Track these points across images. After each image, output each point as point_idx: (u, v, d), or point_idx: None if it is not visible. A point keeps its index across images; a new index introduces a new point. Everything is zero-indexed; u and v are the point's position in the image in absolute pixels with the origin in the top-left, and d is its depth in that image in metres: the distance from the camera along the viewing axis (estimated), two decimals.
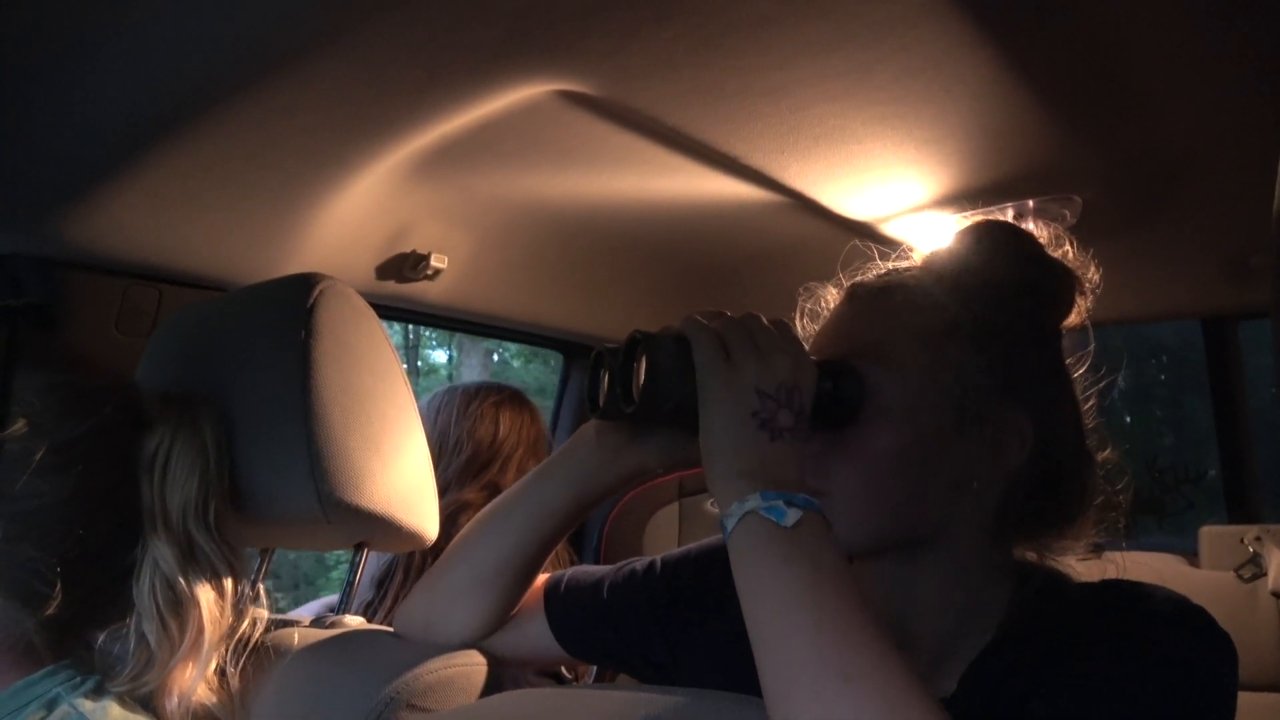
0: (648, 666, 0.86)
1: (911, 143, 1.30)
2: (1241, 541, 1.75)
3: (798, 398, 0.65)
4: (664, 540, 2.02)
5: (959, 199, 1.49)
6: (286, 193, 1.23)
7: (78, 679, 0.75)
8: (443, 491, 1.59)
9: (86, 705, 0.72)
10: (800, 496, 0.60)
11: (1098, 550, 0.75)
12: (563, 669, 1.38)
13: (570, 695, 0.68)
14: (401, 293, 1.54)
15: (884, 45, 1.04)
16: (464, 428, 1.63)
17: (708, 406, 0.64)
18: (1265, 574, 1.68)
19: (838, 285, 0.82)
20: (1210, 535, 1.85)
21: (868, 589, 0.73)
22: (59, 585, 0.74)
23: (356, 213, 1.35)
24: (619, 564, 0.91)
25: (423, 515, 0.94)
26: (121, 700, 0.75)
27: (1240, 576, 1.70)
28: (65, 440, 0.77)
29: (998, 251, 0.76)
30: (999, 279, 0.75)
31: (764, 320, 0.68)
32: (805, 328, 0.82)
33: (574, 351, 2.12)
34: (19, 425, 0.75)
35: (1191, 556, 1.86)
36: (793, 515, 0.59)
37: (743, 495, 0.60)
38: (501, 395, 1.71)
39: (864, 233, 1.64)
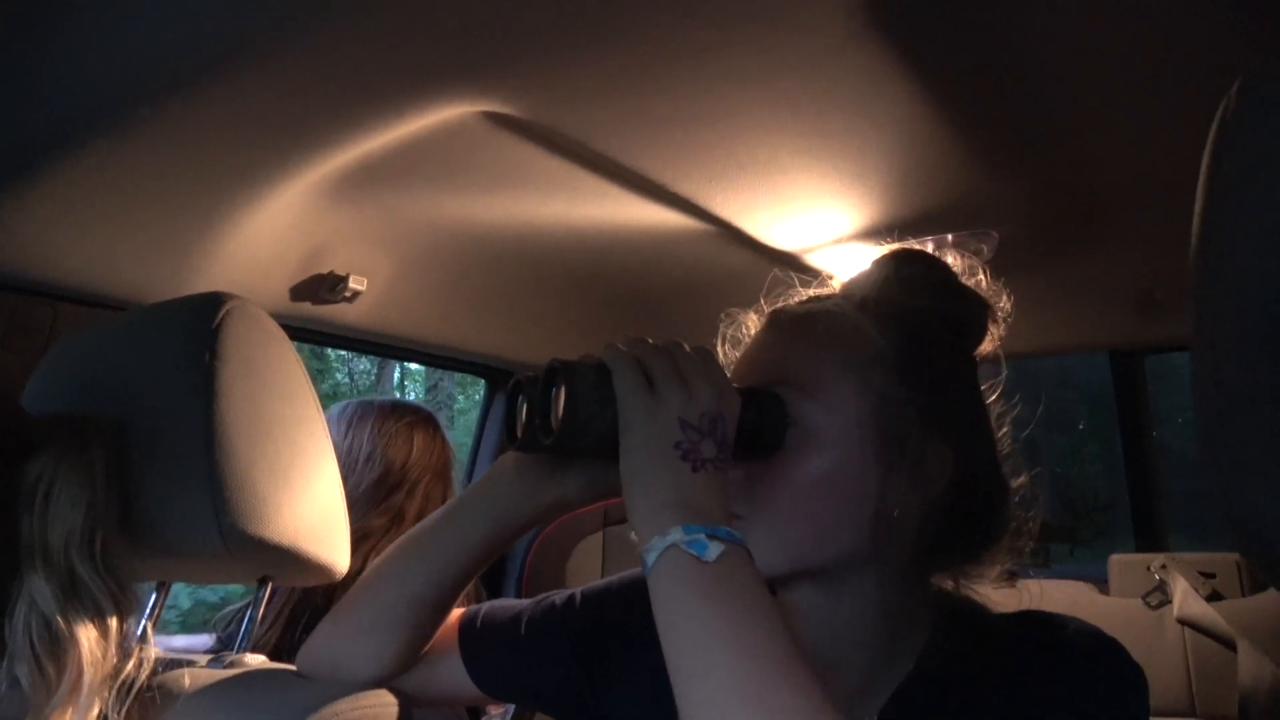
0: (568, 705, 0.83)
1: (836, 175, 1.31)
2: (1149, 569, 1.80)
3: (721, 427, 0.63)
4: (588, 570, 1.99)
5: (880, 232, 1.52)
6: (196, 208, 1.18)
7: None
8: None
9: None
10: (723, 529, 0.59)
11: (1012, 578, 0.76)
12: (489, 707, 1.34)
13: None
14: (318, 315, 1.49)
15: (813, 78, 1.05)
16: (377, 446, 1.58)
17: (628, 436, 0.62)
18: (1171, 601, 1.73)
19: (759, 312, 0.81)
20: (1119, 564, 1.90)
21: (790, 619, 0.72)
22: None
23: (271, 231, 1.30)
24: (538, 598, 0.88)
25: (333, 548, 0.90)
26: None
27: (1148, 604, 1.74)
28: None
29: (915, 280, 0.77)
30: (916, 307, 0.75)
31: (687, 348, 0.67)
32: (727, 354, 0.81)
33: (497, 377, 2.09)
34: None
35: (1102, 584, 1.91)
36: (715, 549, 0.57)
37: (664, 529, 0.58)
38: (416, 416, 1.66)
39: (788, 263, 1.65)
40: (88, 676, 0.72)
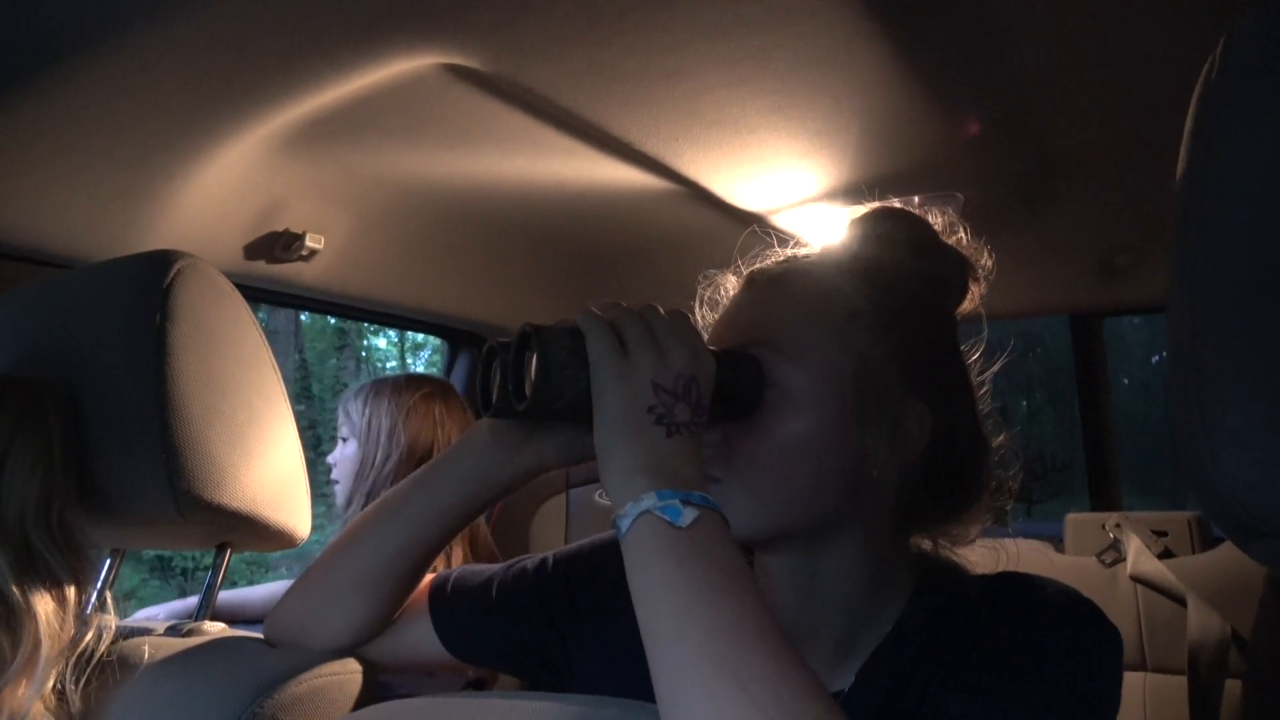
0: (540, 669, 0.82)
1: (805, 134, 1.30)
2: (1103, 528, 1.84)
3: (695, 390, 0.62)
4: (552, 533, 1.98)
5: (847, 193, 1.51)
6: (144, 162, 1.14)
7: None
8: (371, 491, 1.53)
9: None
10: (697, 494, 0.58)
11: (977, 538, 0.76)
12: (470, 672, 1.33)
13: (450, 704, 0.64)
14: (273, 274, 1.45)
15: (782, 33, 1.03)
16: (396, 420, 1.56)
17: (602, 401, 0.61)
18: (1124, 559, 1.77)
19: (737, 273, 0.80)
20: (1075, 522, 1.93)
21: (769, 582, 0.72)
22: None
23: (223, 187, 1.26)
24: (509, 562, 0.87)
25: (292, 513, 0.87)
26: None
27: (1102, 561, 1.78)
28: None
29: (895, 238, 0.76)
30: (897, 265, 0.74)
31: (661, 311, 0.66)
32: (705, 317, 0.80)
33: (460, 339, 2.06)
34: None
35: (1057, 543, 1.95)
36: (689, 515, 0.56)
37: (638, 494, 0.57)
38: (433, 387, 1.64)
39: (755, 223, 1.64)
40: (44, 648, 0.69)
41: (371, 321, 1.93)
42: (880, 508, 0.71)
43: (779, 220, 1.64)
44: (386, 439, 1.55)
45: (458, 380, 2.02)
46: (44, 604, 0.71)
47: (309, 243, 1.41)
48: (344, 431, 1.62)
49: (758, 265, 0.78)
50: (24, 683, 0.69)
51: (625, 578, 0.57)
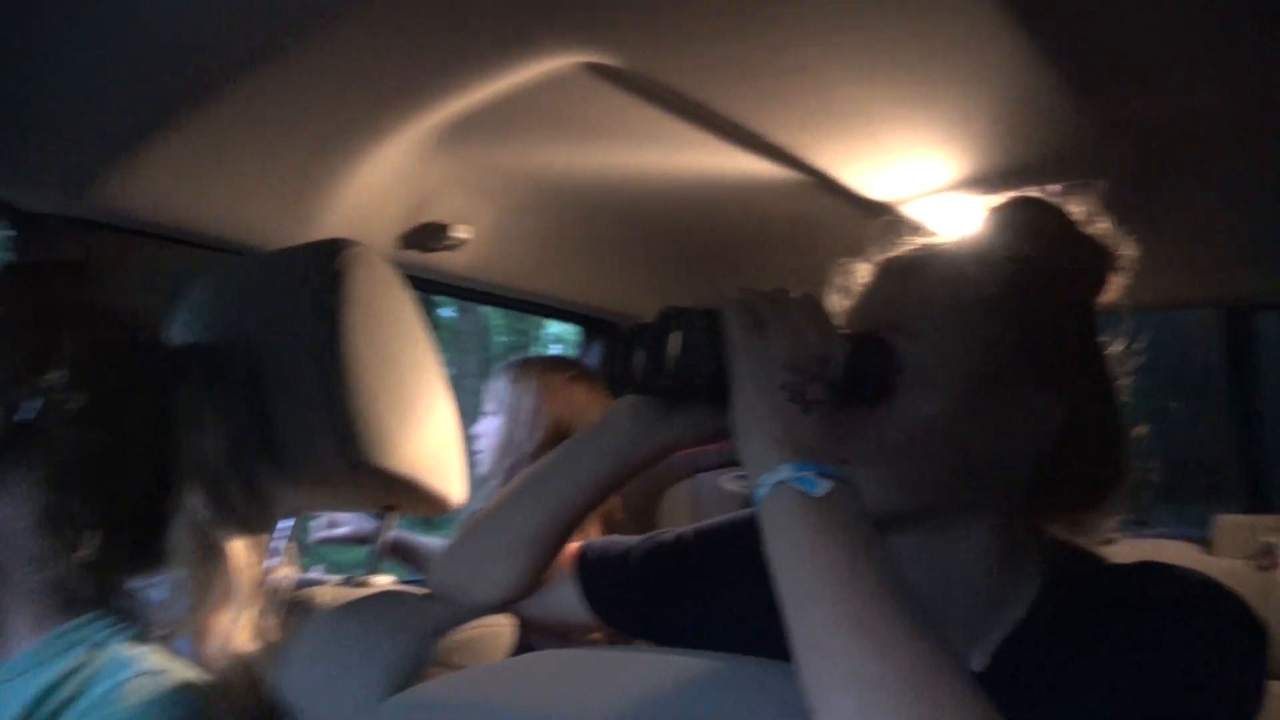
0: (674, 635, 0.87)
1: (937, 124, 1.30)
2: (1255, 531, 1.76)
3: (827, 371, 0.65)
4: (678, 517, 2.03)
5: (980, 182, 1.50)
6: (312, 159, 1.24)
7: (119, 626, 0.77)
8: (514, 467, 1.59)
9: (129, 651, 0.74)
10: (830, 467, 0.61)
11: (1116, 532, 0.75)
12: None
13: (595, 657, 0.69)
14: (424, 262, 1.55)
15: (914, 23, 1.05)
16: (542, 400, 1.63)
17: (738, 379, 0.65)
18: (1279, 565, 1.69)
19: (870, 261, 0.82)
20: (1226, 524, 1.85)
21: (898, 563, 0.74)
22: (98, 533, 0.76)
23: (380, 181, 1.35)
24: (646, 535, 0.92)
25: (449, 480, 0.95)
26: (161, 647, 0.76)
27: (1258, 566, 1.70)
28: (103, 393, 0.78)
29: (1032, 227, 0.76)
30: (1031, 254, 0.74)
31: (793, 295, 0.69)
32: (839, 303, 0.82)
33: (593, 326, 2.13)
34: (59, 376, 0.76)
35: (1203, 545, 1.87)
36: (823, 485, 0.59)
37: (773, 466, 0.61)
38: (578, 371, 1.71)
39: (884, 214, 1.64)
40: (237, 582, 0.79)
41: (511, 308, 2.02)
42: (1012, 493, 0.72)
43: (911, 210, 1.64)
44: (531, 418, 1.62)
45: (590, 364, 2.09)
46: (235, 543, 0.80)
47: (456, 233, 1.50)
48: (490, 406, 1.70)
49: (893, 253, 0.80)
50: (225, 612, 0.78)
51: (757, 552, 0.61)
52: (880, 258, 0.81)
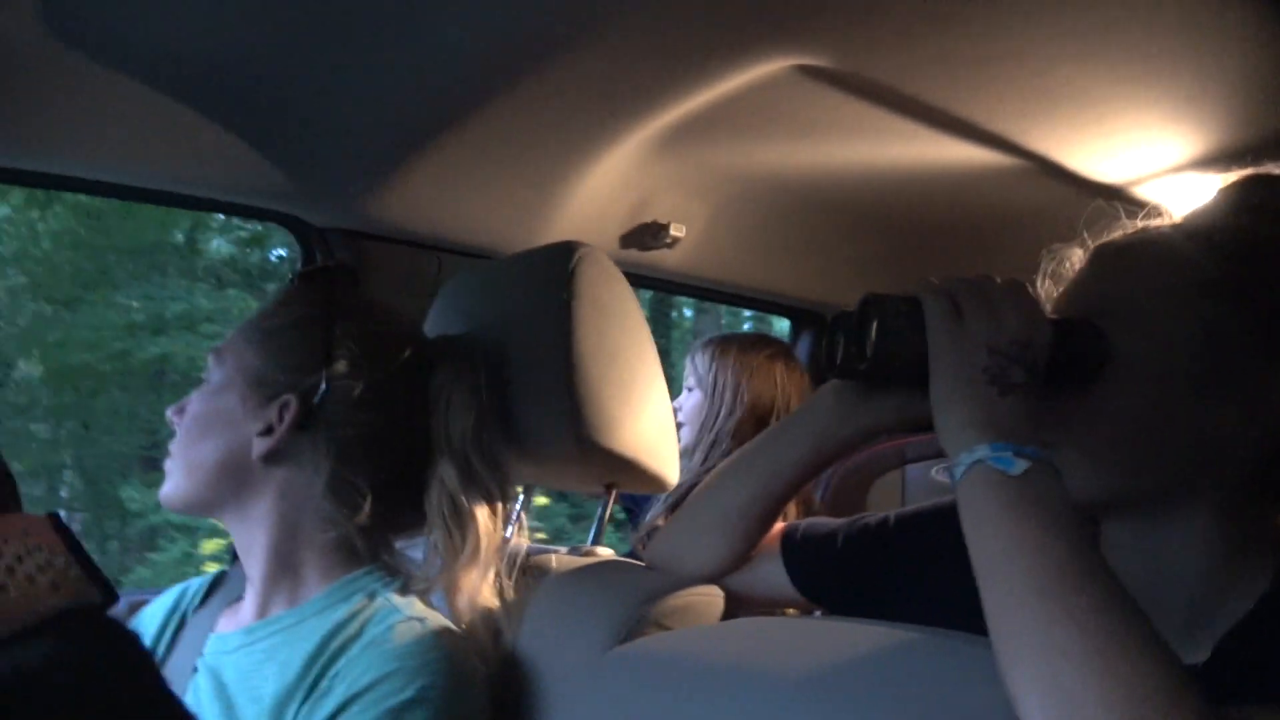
0: (880, 615, 0.90)
1: (1165, 101, 1.23)
2: None
3: (1030, 354, 0.66)
4: (887, 507, 2.02)
5: (1220, 159, 1.40)
6: (545, 170, 1.36)
7: (388, 578, 0.90)
8: (714, 444, 1.63)
9: (398, 599, 0.87)
10: (1029, 448, 0.62)
11: None
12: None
13: (800, 624, 0.74)
14: (642, 260, 1.65)
15: (1133, 1, 1.01)
16: (741, 380, 1.64)
17: (937, 362, 0.67)
18: None
19: (1084, 246, 0.81)
20: None
21: (1113, 552, 0.72)
22: (372, 498, 0.90)
23: (605, 185, 1.46)
24: (852, 518, 0.96)
25: (665, 461, 1.03)
26: (421, 598, 0.89)
27: None
28: (376, 379, 0.91)
29: (1265, 206, 0.72)
30: (1263, 235, 0.71)
31: (997, 280, 0.70)
32: (1050, 290, 0.81)
33: (802, 318, 2.16)
34: (342, 366, 0.90)
35: None
36: (1020, 465, 0.60)
37: (970, 445, 0.62)
38: (775, 349, 1.71)
39: (1114, 196, 1.57)
40: (484, 544, 0.90)
41: (722, 302, 2.09)
42: (1233, 484, 0.69)
43: (1141, 191, 1.56)
44: (731, 395, 1.63)
45: (800, 356, 2.13)
46: (481, 510, 0.91)
47: (672, 231, 1.58)
48: (690, 382, 1.72)
49: (1106, 238, 0.79)
50: (473, 570, 0.90)
51: (960, 538, 0.63)
52: (1094, 242, 0.79)
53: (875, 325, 0.71)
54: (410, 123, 1.19)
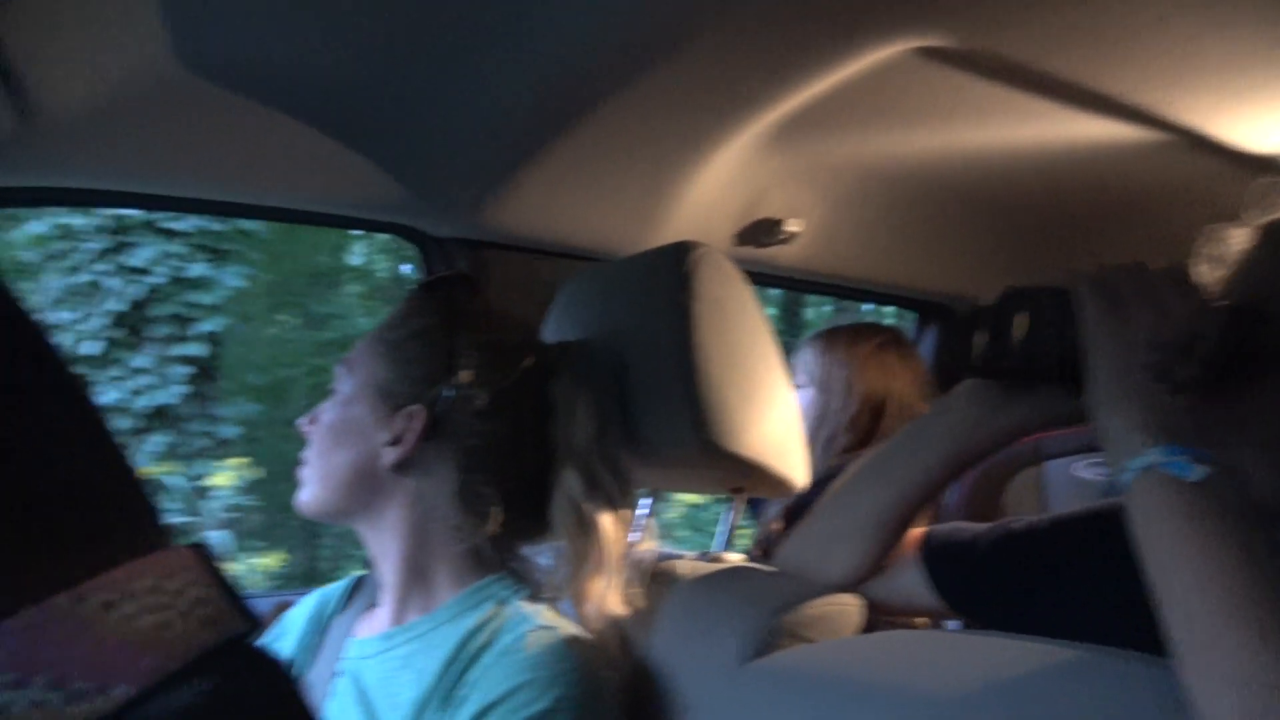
0: (1029, 626, 0.85)
1: None
2: None
3: (1199, 346, 0.61)
4: (1024, 507, 1.93)
5: None
6: (658, 170, 1.35)
7: (516, 585, 0.90)
8: (831, 439, 1.59)
9: (528, 607, 0.87)
10: (1206, 451, 0.57)
11: None
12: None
13: (948, 639, 0.70)
14: (757, 257, 1.61)
15: None
16: (851, 370, 1.59)
17: (1096, 359, 0.62)
18: None
19: (1247, 225, 0.74)
20: None
21: None
22: (500, 507, 0.90)
23: (718, 183, 1.43)
24: (995, 522, 0.91)
25: (792, 465, 1.00)
26: (550, 606, 0.89)
27: None
28: (499, 388, 0.92)
29: None
30: None
31: (1154, 268, 0.65)
32: (1209, 274, 0.75)
33: (929, 311, 2.08)
34: (465, 375, 0.91)
35: None
36: (1198, 470, 0.56)
37: (1139, 450, 0.58)
38: (884, 337, 1.64)
39: (1270, 169, 1.45)
40: (609, 552, 0.89)
41: (842, 297, 2.03)
42: None
43: None
44: (842, 388, 1.57)
45: (925, 352, 2.05)
46: (605, 518, 0.90)
47: (788, 226, 1.54)
48: (800, 379, 1.66)
49: (1275, 215, 0.73)
50: (599, 578, 0.89)
51: (1123, 544, 0.58)
52: (1261, 221, 0.73)
53: (1021, 320, 0.66)
54: (522, 130, 1.19)
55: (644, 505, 1.10)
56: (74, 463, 0.31)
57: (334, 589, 1.07)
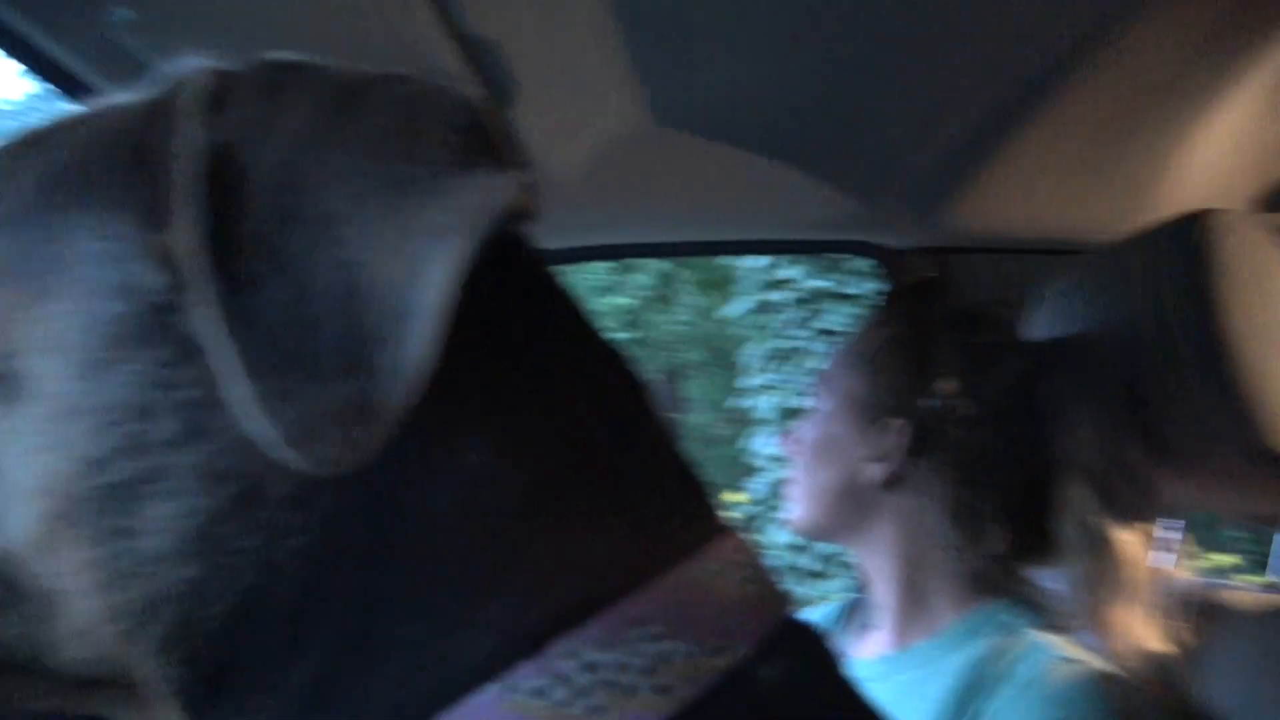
0: None
1: None
2: None
3: None
4: None
5: None
6: (1138, 143, 1.18)
7: (1025, 611, 0.82)
8: None
9: (1044, 637, 0.78)
10: None
11: None
12: None
13: None
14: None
15: None
16: None
17: None
18: None
19: None
20: None
21: None
22: (998, 525, 0.82)
23: (1216, 145, 1.22)
24: None
25: None
26: (1066, 636, 0.79)
27: None
28: (986, 394, 0.85)
29: None
30: None
31: None
32: None
33: None
34: (948, 384, 0.85)
35: None
36: None
37: None
38: None
39: None
40: (1129, 577, 0.77)
41: None
42: None
43: None
44: None
45: None
46: (1121, 536, 0.79)
47: None
48: None
49: None
50: (1122, 606, 0.77)
51: None
52: None
53: None
54: (974, 128, 1.11)
55: (1174, 526, 0.94)
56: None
57: (827, 610, 1.06)
